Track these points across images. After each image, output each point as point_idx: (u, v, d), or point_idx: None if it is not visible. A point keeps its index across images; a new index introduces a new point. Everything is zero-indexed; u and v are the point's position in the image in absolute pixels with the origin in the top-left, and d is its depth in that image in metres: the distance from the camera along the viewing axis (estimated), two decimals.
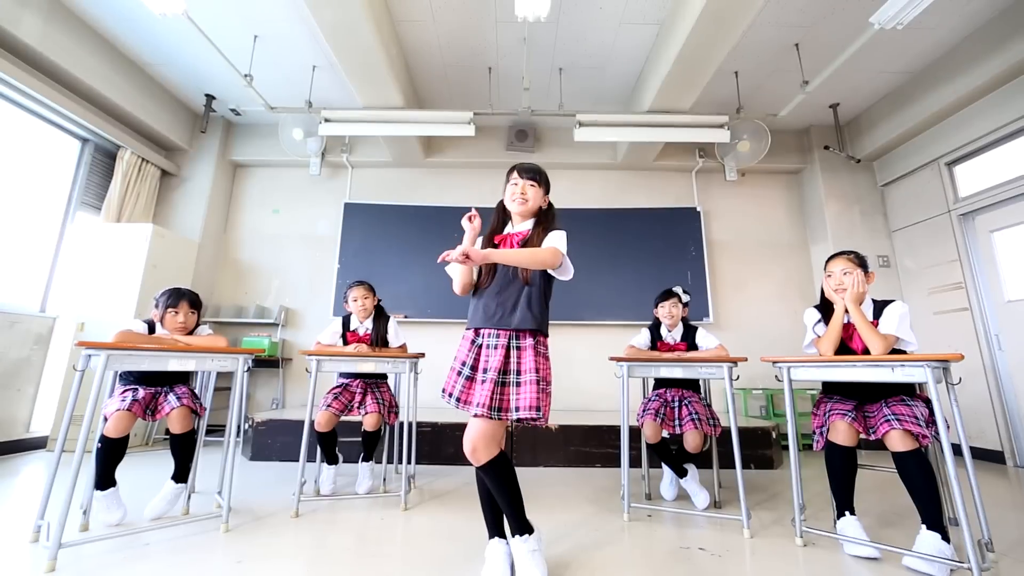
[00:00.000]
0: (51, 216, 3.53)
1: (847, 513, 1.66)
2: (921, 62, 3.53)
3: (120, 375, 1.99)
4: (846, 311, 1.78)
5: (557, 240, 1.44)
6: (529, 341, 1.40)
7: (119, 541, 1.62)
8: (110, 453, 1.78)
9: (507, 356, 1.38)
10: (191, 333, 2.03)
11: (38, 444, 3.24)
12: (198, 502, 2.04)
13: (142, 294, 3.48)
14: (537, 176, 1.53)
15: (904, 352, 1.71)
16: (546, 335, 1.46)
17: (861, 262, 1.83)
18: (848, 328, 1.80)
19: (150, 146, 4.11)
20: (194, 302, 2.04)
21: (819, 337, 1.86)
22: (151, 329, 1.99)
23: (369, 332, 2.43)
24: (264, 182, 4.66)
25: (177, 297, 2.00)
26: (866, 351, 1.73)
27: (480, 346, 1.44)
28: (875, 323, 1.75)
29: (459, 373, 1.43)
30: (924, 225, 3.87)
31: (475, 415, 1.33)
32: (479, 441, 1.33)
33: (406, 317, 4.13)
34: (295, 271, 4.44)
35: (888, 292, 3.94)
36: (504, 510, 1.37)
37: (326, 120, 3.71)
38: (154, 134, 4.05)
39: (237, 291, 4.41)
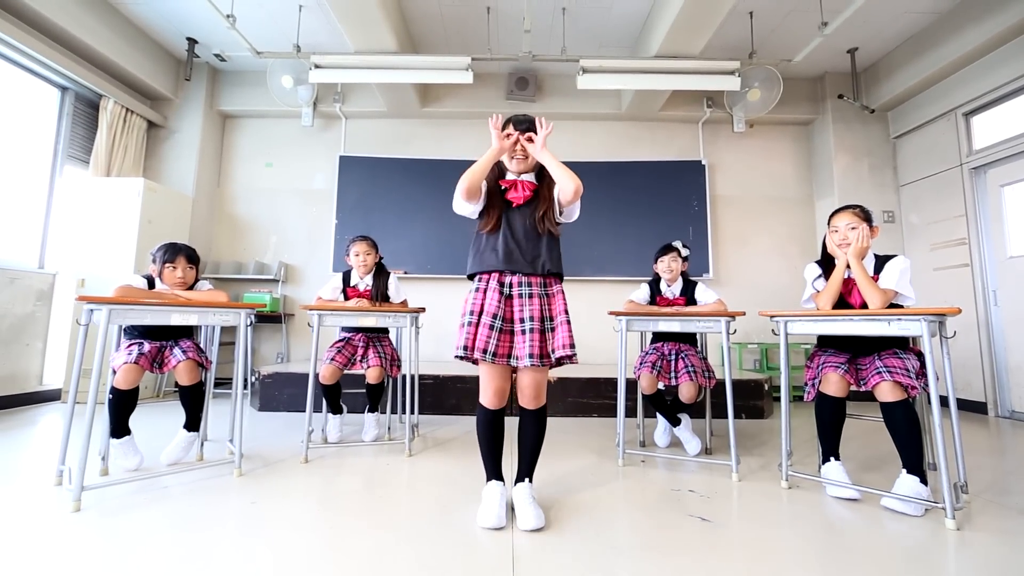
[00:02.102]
0: (39, 171, 3.45)
1: (832, 458, 1.73)
2: (949, 1, 3.30)
3: (124, 329, 2.02)
4: (847, 266, 1.77)
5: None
6: (557, 287, 1.50)
7: (138, 484, 1.70)
8: (122, 404, 1.84)
9: (541, 303, 1.44)
10: (191, 288, 2.04)
11: (53, 396, 3.34)
12: (211, 450, 2.13)
13: (139, 249, 3.46)
14: (533, 128, 1.49)
15: (901, 307, 1.72)
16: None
17: (866, 216, 1.80)
18: (848, 283, 1.80)
19: (134, 95, 3.93)
20: (191, 256, 2.03)
21: (818, 292, 1.86)
22: (151, 284, 1.99)
23: (369, 288, 2.44)
24: (255, 134, 4.51)
25: (174, 252, 1.99)
26: (864, 306, 1.74)
27: (510, 296, 1.45)
28: (875, 278, 1.75)
29: (491, 327, 1.39)
30: (934, 180, 3.78)
31: (528, 366, 1.38)
32: (538, 389, 1.44)
33: (406, 273, 4.13)
34: (292, 226, 4.39)
35: (890, 248, 3.91)
36: (529, 455, 1.48)
37: (316, 66, 3.53)
38: (137, 82, 3.87)
39: (235, 247, 4.38)
